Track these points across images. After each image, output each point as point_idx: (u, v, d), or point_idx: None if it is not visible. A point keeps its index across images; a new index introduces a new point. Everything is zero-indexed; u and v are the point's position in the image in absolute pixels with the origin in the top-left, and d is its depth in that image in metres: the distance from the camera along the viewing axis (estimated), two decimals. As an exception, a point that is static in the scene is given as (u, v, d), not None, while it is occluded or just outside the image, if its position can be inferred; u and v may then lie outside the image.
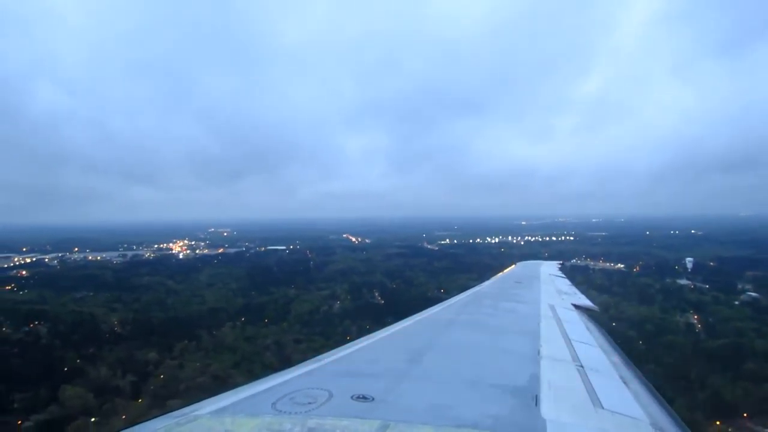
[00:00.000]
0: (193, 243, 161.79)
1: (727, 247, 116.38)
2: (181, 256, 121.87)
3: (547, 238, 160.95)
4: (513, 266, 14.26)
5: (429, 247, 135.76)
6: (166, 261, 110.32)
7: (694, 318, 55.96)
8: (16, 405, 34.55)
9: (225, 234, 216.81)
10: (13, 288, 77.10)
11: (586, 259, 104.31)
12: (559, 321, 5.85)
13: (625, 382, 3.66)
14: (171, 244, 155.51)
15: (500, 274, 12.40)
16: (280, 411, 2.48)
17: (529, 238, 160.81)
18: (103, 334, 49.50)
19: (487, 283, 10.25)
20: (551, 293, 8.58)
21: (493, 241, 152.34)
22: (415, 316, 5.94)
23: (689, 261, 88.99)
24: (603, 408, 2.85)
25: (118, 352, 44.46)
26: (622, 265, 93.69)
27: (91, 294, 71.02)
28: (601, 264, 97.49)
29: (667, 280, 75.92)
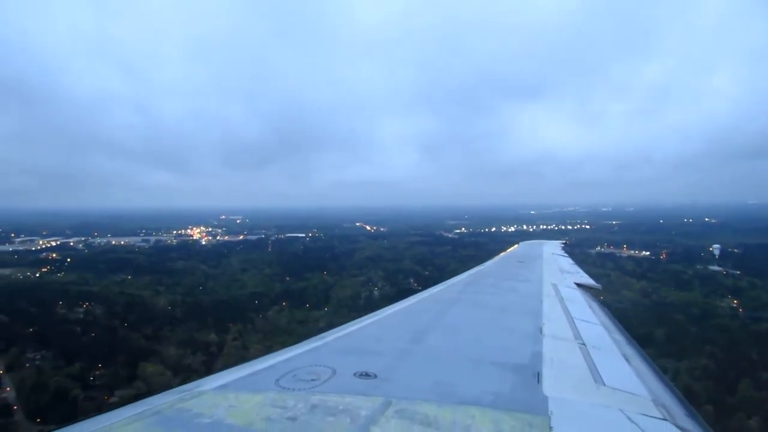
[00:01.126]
0: (210, 229, 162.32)
1: (747, 235, 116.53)
2: (203, 242, 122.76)
3: (563, 227, 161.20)
4: (515, 246, 14.23)
5: (448, 235, 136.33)
6: (191, 247, 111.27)
7: (734, 303, 56.64)
8: (96, 382, 35.55)
9: (238, 221, 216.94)
10: (50, 270, 78.27)
11: (609, 246, 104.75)
12: (561, 300, 5.85)
13: (627, 360, 3.66)
14: (189, 230, 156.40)
15: (503, 253, 12.42)
16: (284, 387, 2.51)
17: (545, 226, 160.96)
18: (159, 316, 50.43)
19: (489, 263, 10.30)
20: (554, 272, 8.59)
21: (510, 230, 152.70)
22: (418, 294, 6.01)
23: (716, 248, 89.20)
24: (605, 385, 2.87)
25: (179, 333, 45.41)
26: (647, 253, 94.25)
27: (129, 277, 72.05)
28: (626, 252, 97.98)
29: (698, 266, 76.46)
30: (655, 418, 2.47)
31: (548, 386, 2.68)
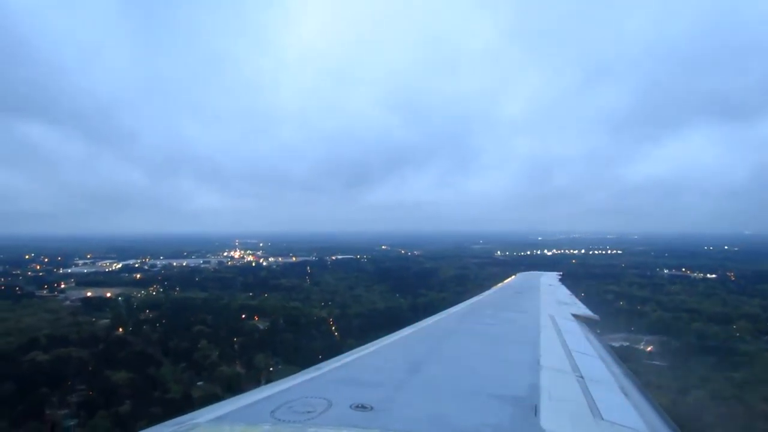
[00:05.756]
0: (248, 252, 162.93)
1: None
2: (264, 264, 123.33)
3: (594, 251, 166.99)
4: (513, 277, 14.69)
5: (499, 256, 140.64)
6: (264, 267, 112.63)
7: None
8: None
9: (261, 245, 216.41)
10: (159, 289, 78.58)
11: (672, 269, 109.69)
12: (558, 331, 5.91)
13: (625, 393, 3.69)
14: (232, 253, 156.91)
15: (500, 284, 12.74)
16: (279, 419, 2.49)
17: (574, 251, 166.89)
18: (343, 326, 52.17)
19: (487, 293, 10.50)
20: (551, 303, 8.76)
21: (549, 254, 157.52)
22: (416, 324, 6.16)
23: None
24: (603, 419, 2.87)
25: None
26: (714, 275, 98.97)
27: (251, 294, 73.15)
28: (692, 274, 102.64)
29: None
30: None
31: (546, 419, 2.69)
